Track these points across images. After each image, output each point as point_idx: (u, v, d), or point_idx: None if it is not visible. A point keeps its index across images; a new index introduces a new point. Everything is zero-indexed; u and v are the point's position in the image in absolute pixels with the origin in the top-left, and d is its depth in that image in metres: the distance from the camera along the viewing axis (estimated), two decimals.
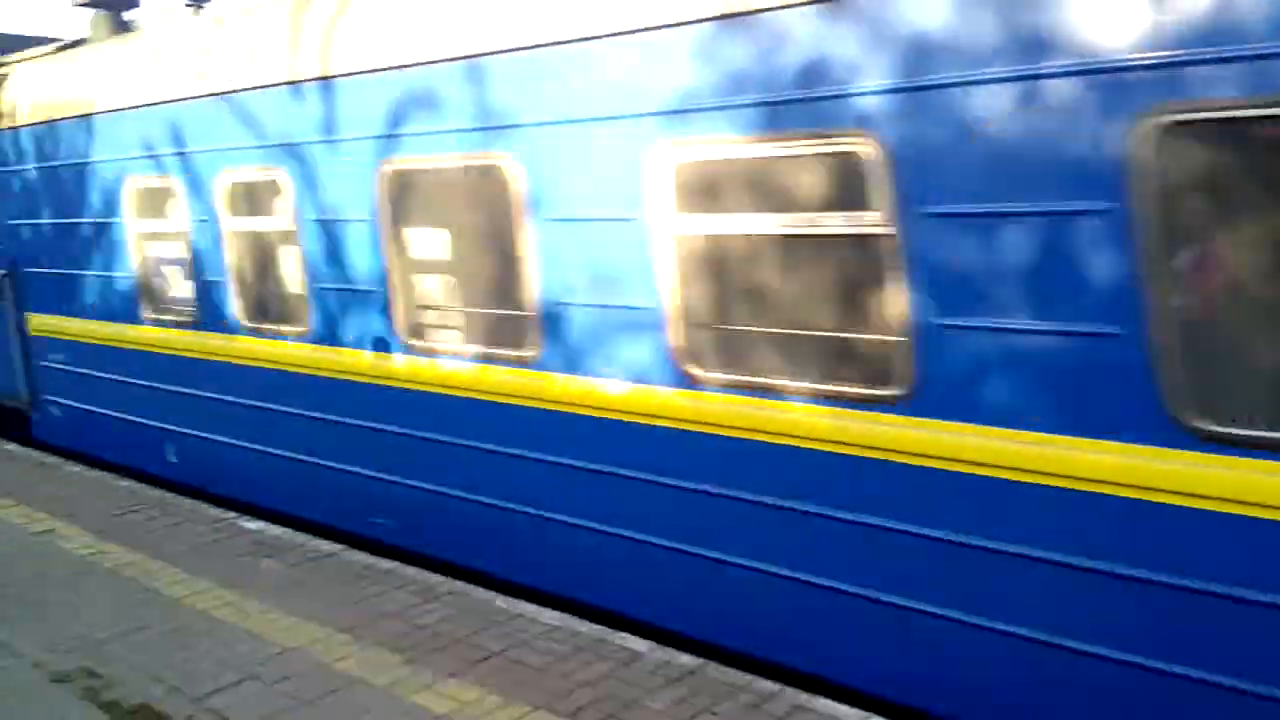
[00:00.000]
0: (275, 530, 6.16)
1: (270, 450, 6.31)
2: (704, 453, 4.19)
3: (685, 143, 4.00)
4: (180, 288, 6.81)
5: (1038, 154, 3.15)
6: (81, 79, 7.30)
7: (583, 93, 4.30)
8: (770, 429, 3.95)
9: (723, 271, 4.09)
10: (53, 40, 8.63)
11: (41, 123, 7.60)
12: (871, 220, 3.54)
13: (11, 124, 7.91)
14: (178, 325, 6.80)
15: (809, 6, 3.58)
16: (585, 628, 4.61)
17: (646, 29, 4.06)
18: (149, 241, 6.97)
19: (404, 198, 5.18)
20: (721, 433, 4.10)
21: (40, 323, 8.18)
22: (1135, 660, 3.20)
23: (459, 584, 5.22)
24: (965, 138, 3.29)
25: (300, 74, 5.51)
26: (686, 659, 4.24)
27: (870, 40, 3.45)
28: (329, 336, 5.74)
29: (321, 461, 5.97)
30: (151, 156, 6.64)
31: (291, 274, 5.98)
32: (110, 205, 7.11)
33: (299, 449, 6.12)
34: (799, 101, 3.66)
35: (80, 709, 3.99)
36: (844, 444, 3.75)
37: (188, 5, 7.43)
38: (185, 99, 6.29)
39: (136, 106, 6.69)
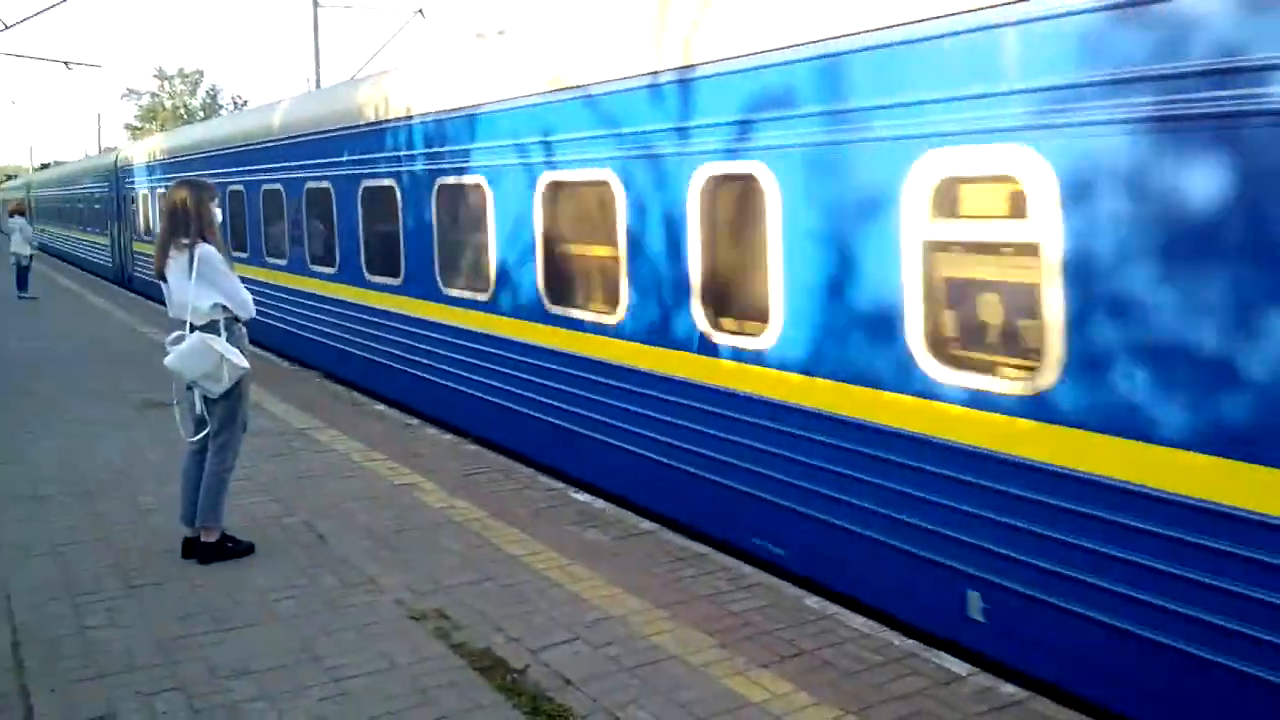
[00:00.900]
0: (600, 504, 6.57)
1: None
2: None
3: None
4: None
5: None
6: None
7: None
8: None
9: None
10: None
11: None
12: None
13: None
14: None
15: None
16: (898, 640, 4.51)
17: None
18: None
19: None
20: None
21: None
22: None
23: (770, 577, 5.30)
24: None
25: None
26: (1010, 688, 4.02)
27: None
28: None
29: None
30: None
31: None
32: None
33: None
34: None
35: (434, 646, 4.47)
36: None
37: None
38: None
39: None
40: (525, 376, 7.62)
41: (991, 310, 4.53)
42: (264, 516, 6.31)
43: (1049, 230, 3.94)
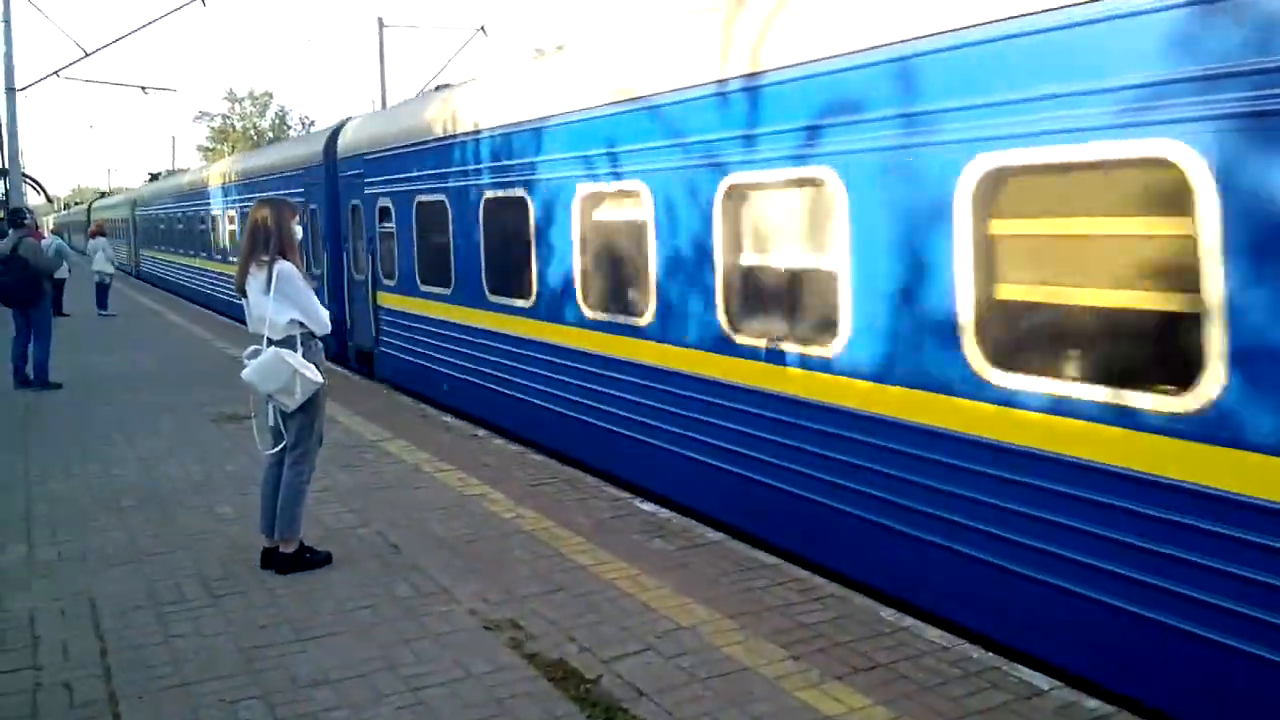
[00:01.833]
0: (665, 513, 6.56)
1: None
2: None
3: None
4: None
5: None
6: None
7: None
8: None
9: None
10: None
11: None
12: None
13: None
14: None
15: None
16: (977, 653, 4.42)
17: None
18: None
19: None
20: None
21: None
22: None
23: (840, 588, 5.23)
24: None
25: None
26: (1094, 703, 3.92)
27: None
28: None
29: None
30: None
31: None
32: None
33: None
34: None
35: (509, 656, 4.50)
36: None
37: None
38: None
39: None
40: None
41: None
42: (339, 527, 6.42)
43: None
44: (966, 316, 4.61)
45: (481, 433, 9.17)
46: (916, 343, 4.89)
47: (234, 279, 5.80)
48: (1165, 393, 3.83)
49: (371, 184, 12.08)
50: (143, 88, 31.38)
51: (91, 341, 16.78)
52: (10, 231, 12.73)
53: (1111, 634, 4.03)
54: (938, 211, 4.69)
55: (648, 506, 6.73)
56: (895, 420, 5.02)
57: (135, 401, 11.10)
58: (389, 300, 11.96)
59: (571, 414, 8.04)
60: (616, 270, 7.53)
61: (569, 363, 8.02)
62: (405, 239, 11.20)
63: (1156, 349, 4.08)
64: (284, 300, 5.47)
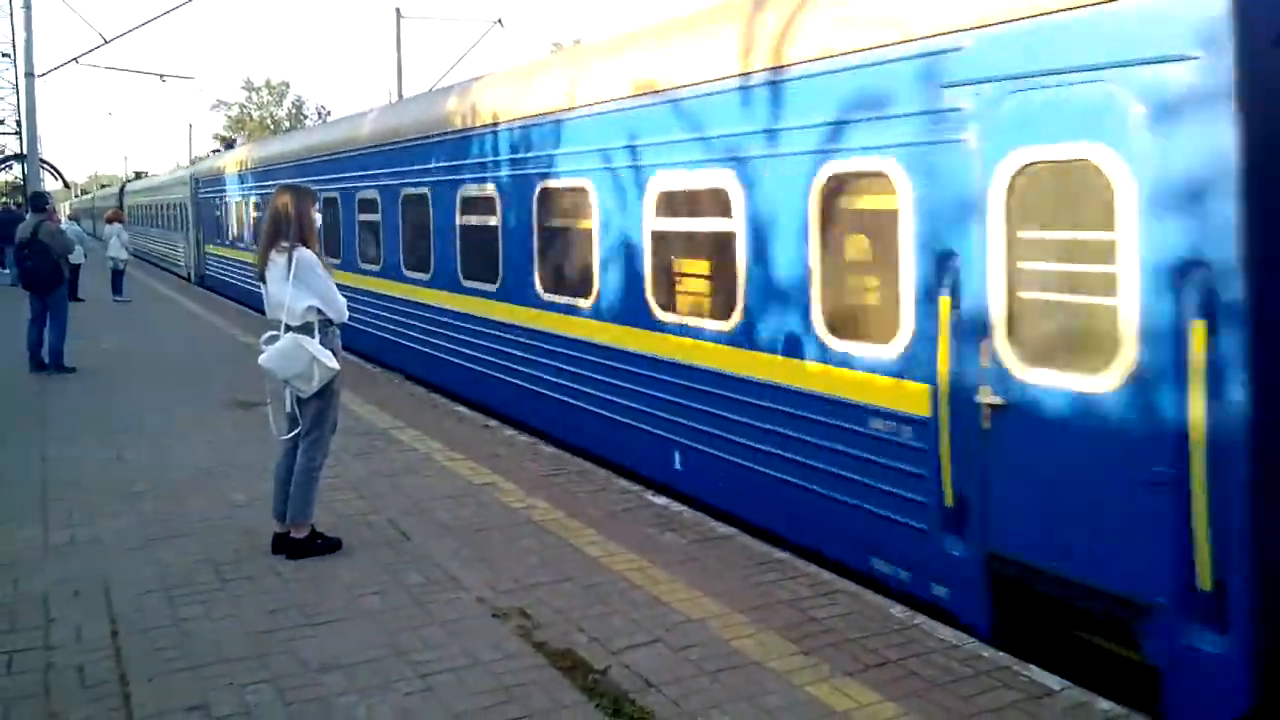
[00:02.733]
0: (677, 507, 6.55)
1: None
2: None
3: None
4: None
5: None
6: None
7: None
8: None
9: None
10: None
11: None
12: None
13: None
14: None
15: None
16: (987, 652, 4.40)
17: None
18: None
19: None
20: None
21: None
22: None
23: (852, 584, 5.21)
24: None
25: None
26: (1105, 704, 3.89)
27: None
28: None
29: None
30: None
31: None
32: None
33: None
34: None
35: (517, 644, 4.50)
36: None
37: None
38: None
39: None
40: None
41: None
42: (350, 514, 6.44)
43: None
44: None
45: (493, 423, 9.17)
46: None
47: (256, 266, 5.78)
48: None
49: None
50: (161, 76, 31.48)
51: (106, 327, 16.86)
52: (29, 215, 12.81)
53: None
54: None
55: (659, 500, 6.72)
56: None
57: (149, 387, 11.15)
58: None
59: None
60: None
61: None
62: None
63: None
64: (303, 287, 5.48)
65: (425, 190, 10.90)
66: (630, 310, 7.33)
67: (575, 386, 8.11)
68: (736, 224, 6.23)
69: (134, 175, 52.79)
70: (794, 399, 5.83)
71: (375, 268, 12.73)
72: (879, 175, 5.17)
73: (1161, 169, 3.87)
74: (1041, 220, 4.41)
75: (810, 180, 5.59)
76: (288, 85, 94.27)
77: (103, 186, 72.13)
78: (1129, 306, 4.00)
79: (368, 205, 12.81)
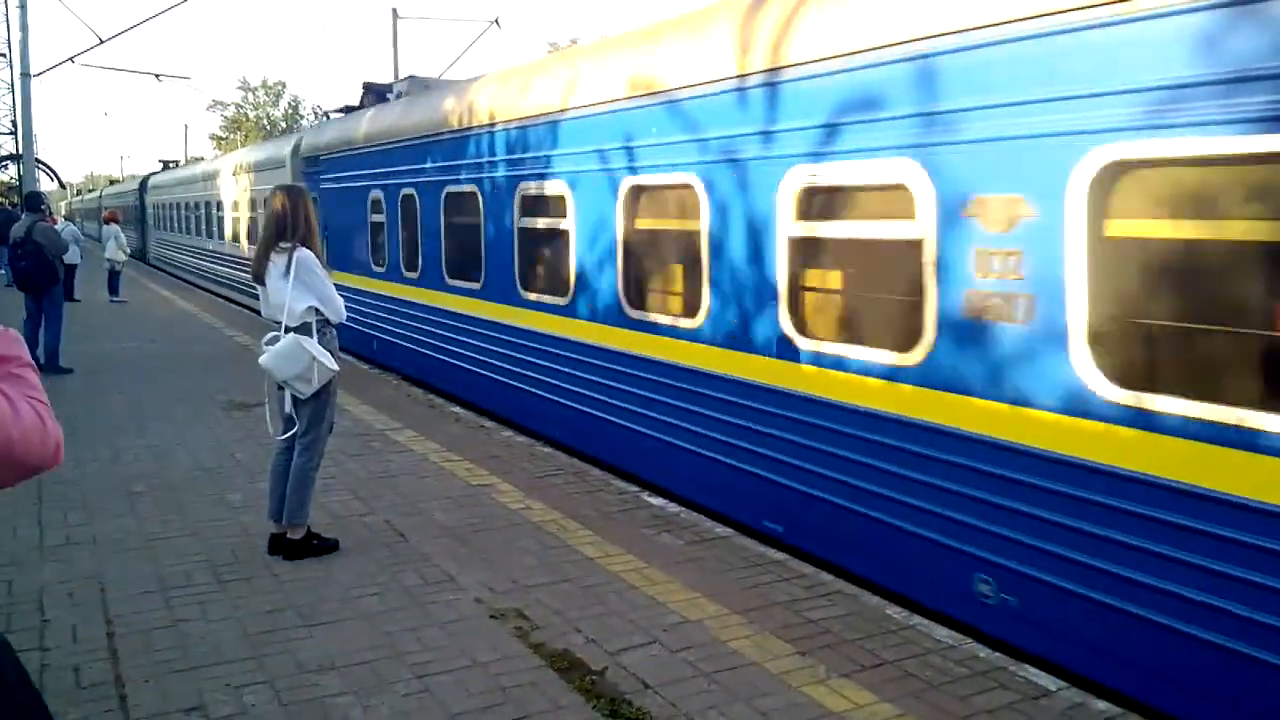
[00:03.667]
0: (674, 508, 6.55)
1: None
2: None
3: None
4: None
5: None
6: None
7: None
8: None
9: None
10: None
11: None
12: None
13: None
14: None
15: None
16: (984, 653, 4.41)
17: None
18: None
19: None
20: None
21: None
22: None
23: (849, 585, 5.22)
24: None
25: None
26: (1102, 704, 3.90)
27: None
28: None
29: None
30: None
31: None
32: None
33: None
34: None
35: (514, 645, 4.50)
36: None
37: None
38: None
39: None
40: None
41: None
42: (347, 514, 6.43)
43: None
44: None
45: (489, 424, 9.16)
46: None
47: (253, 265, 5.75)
48: None
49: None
50: (157, 75, 31.41)
51: (102, 327, 16.83)
52: (24, 215, 12.78)
53: None
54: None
55: (656, 500, 6.72)
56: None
57: (145, 388, 11.13)
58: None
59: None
60: None
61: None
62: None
63: None
64: (302, 288, 5.48)
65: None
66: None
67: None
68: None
69: (165, 165, 38.37)
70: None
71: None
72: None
73: None
74: None
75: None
76: (284, 85, 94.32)
77: (112, 183, 63.66)
78: None
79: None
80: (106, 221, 23.42)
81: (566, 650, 4.44)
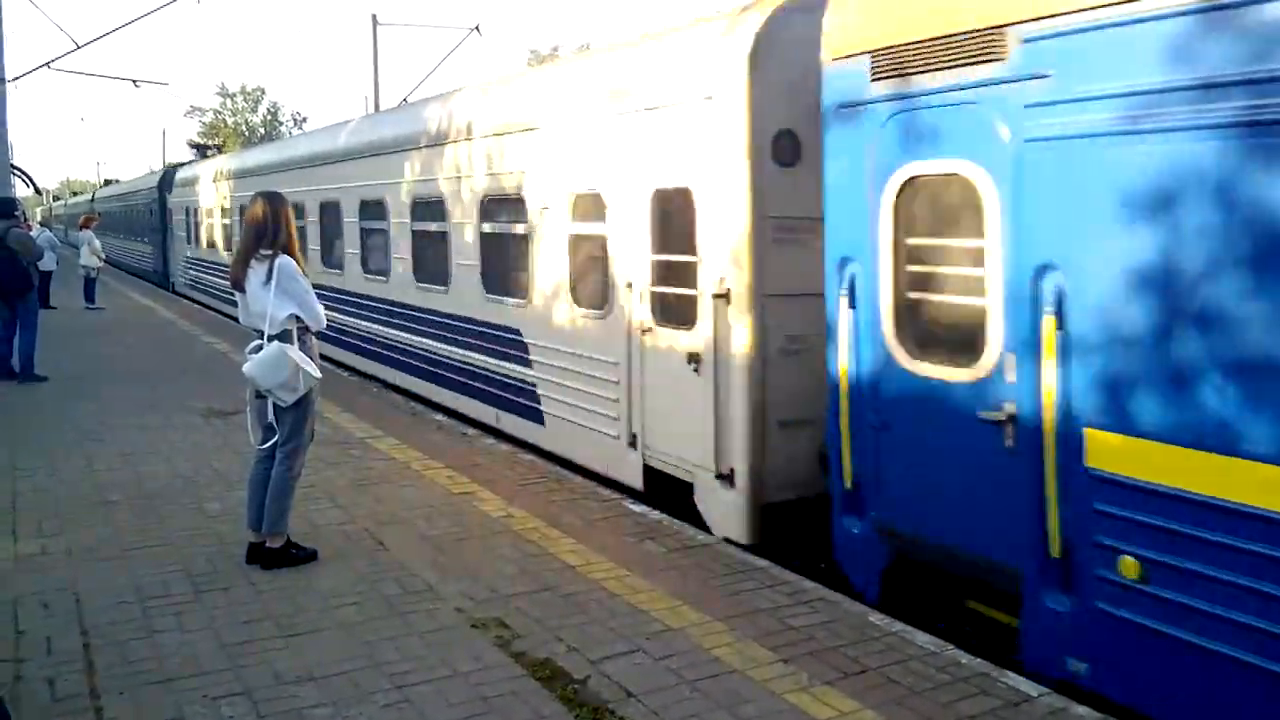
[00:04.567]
0: (656, 515, 6.54)
1: None
2: None
3: None
4: None
5: None
6: None
7: None
8: None
9: None
10: None
11: None
12: None
13: None
14: None
15: None
16: (966, 659, 4.41)
17: None
18: None
19: None
20: None
21: None
22: None
23: (831, 593, 5.22)
24: None
25: None
26: (1082, 710, 3.91)
27: None
28: None
29: None
30: None
31: None
32: None
33: None
34: None
35: (495, 654, 4.47)
36: None
37: None
38: None
39: None
40: None
41: None
42: (326, 523, 6.38)
43: None
44: None
45: (471, 431, 9.13)
46: None
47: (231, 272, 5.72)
48: None
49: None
50: (134, 81, 31.07)
51: (78, 335, 16.65)
52: None
53: None
54: None
55: (638, 508, 6.70)
56: None
57: (122, 396, 11.01)
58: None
59: None
60: None
61: None
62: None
63: None
64: (284, 295, 5.43)
65: None
66: None
67: None
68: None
69: (196, 152, 29.90)
70: None
71: None
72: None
73: None
74: None
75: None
76: (263, 91, 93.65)
77: (107, 183, 59.72)
78: None
79: None
80: (81, 227, 23.21)
81: (548, 659, 4.41)
